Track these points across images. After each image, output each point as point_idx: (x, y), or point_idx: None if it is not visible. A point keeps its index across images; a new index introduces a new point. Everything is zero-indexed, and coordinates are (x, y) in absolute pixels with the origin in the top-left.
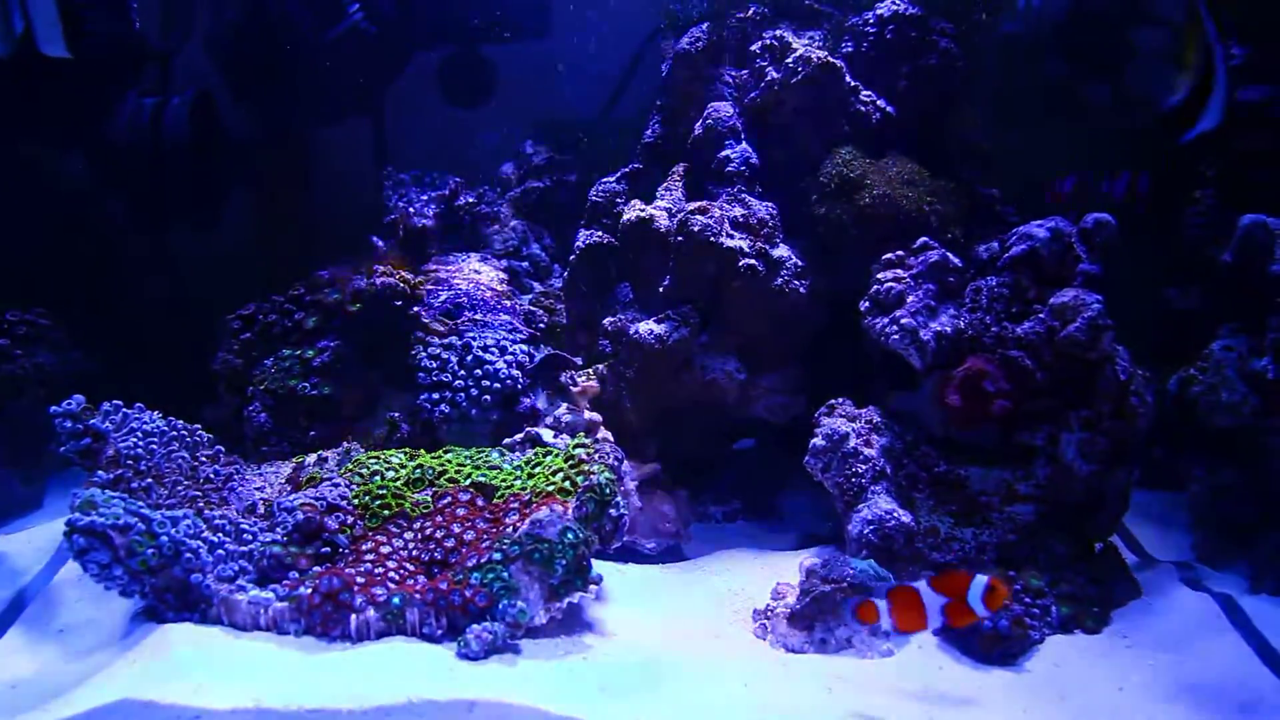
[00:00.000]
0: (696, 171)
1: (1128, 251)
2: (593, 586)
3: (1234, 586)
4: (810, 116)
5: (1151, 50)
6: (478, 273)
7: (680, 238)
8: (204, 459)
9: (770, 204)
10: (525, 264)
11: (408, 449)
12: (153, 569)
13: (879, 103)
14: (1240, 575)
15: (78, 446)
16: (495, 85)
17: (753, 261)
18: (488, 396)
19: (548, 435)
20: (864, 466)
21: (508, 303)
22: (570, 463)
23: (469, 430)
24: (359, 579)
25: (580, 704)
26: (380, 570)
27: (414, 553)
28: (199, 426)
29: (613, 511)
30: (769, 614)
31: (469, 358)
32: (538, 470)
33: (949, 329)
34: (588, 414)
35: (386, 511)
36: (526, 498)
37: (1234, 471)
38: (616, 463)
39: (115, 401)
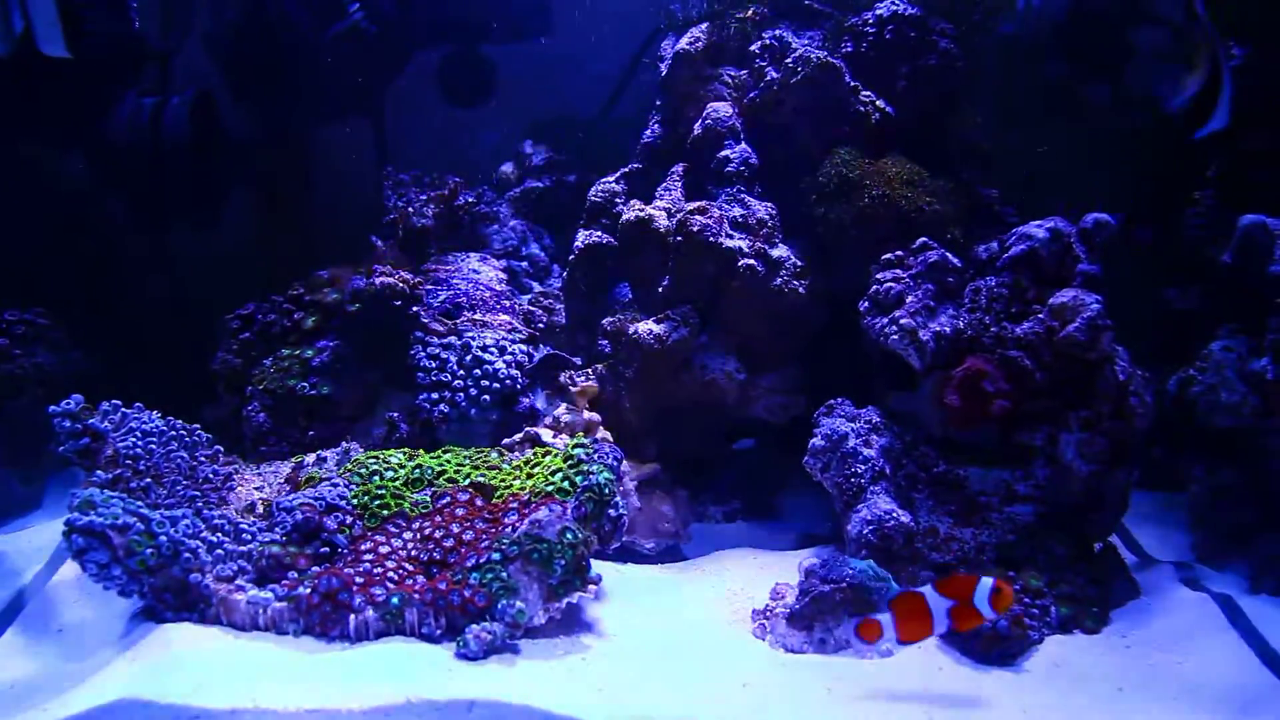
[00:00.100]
0: (696, 171)
1: (1127, 252)
2: (592, 586)
3: (1233, 587)
4: (810, 117)
5: (1151, 50)
6: (477, 272)
7: (679, 238)
8: (203, 459)
9: (770, 204)
10: (524, 264)
11: (407, 449)
12: (151, 569)
13: (878, 103)
14: (1240, 575)
15: (76, 446)
16: (495, 85)
17: (752, 262)
18: (487, 396)
19: (547, 435)
20: (863, 466)
21: (507, 303)
22: (569, 463)
23: (468, 430)
24: (358, 579)
25: (579, 704)
26: (379, 570)
27: (413, 553)
28: (198, 426)
29: (612, 511)
30: (768, 614)
31: (468, 358)
32: (537, 470)
33: (948, 329)
34: (587, 414)
35: (385, 511)
36: (525, 498)
37: (1233, 472)
38: (615, 463)
39: (114, 401)
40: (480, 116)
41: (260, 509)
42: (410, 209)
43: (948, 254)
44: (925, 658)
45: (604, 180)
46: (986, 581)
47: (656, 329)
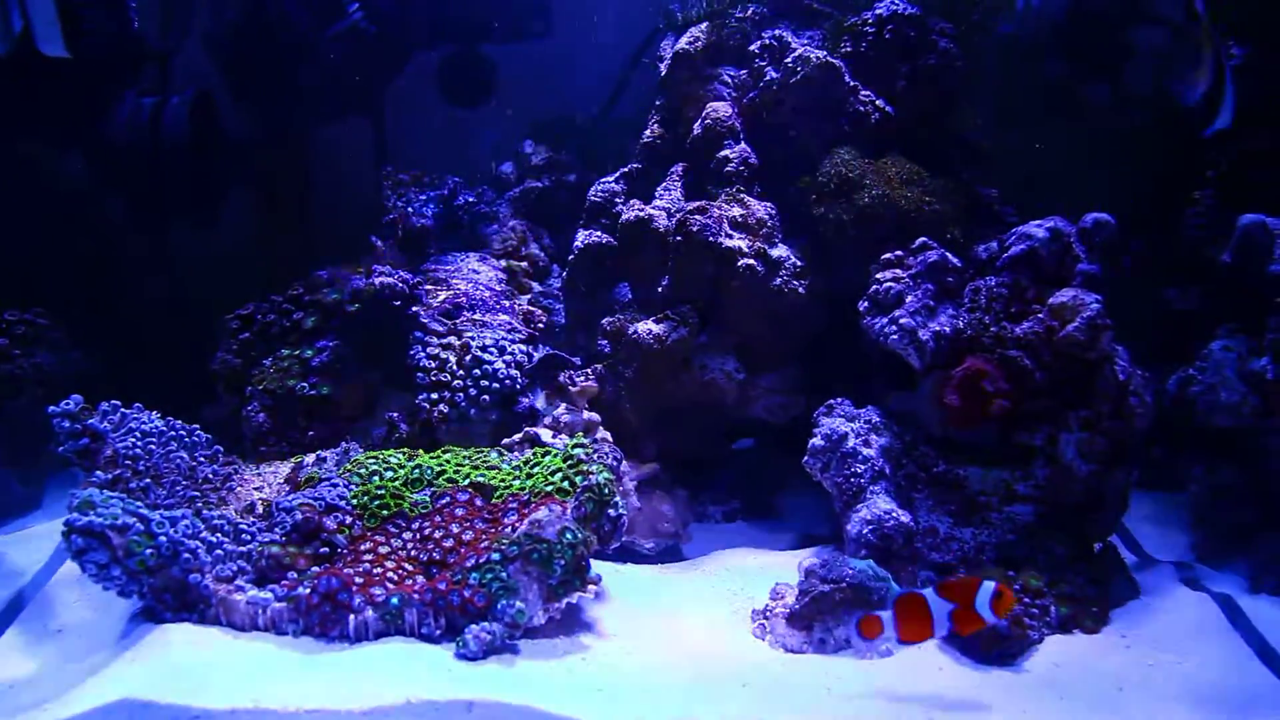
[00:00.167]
0: (695, 171)
1: (1127, 251)
2: (591, 587)
3: (1233, 586)
4: (809, 116)
5: (1150, 50)
6: (476, 272)
7: (679, 237)
8: (202, 459)
9: (769, 204)
10: (524, 264)
11: (406, 449)
12: (151, 569)
13: (878, 102)
14: (1239, 575)
15: (76, 446)
16: (495, 85)
17: (751, 261)
18: (486, 396)
19: (546, 435)
20: (863, 466)
21: (506, 302)
22: (569, 463)
23: (468, 430)
24: (357, 579)
25: (579, 704)
26: (379, 570)
27: (412, 553)
28: (197, 426)
29: (611, 511)
30: (768, 614)
31: (468, 358)
32: (536, 470)
33: (948, 329)
34: (586, 414)
35: (385, 512)
36: (525, 498)
37: (1233, 472)
38: (615, 463)
39: (113, 401)
40: (480, 116)
41: (260, 509)
42: (410, 209)
43: (947, 254)
44: (925, 657)
45: (604, 180)
46: (988, 585)
47: (656, 329)
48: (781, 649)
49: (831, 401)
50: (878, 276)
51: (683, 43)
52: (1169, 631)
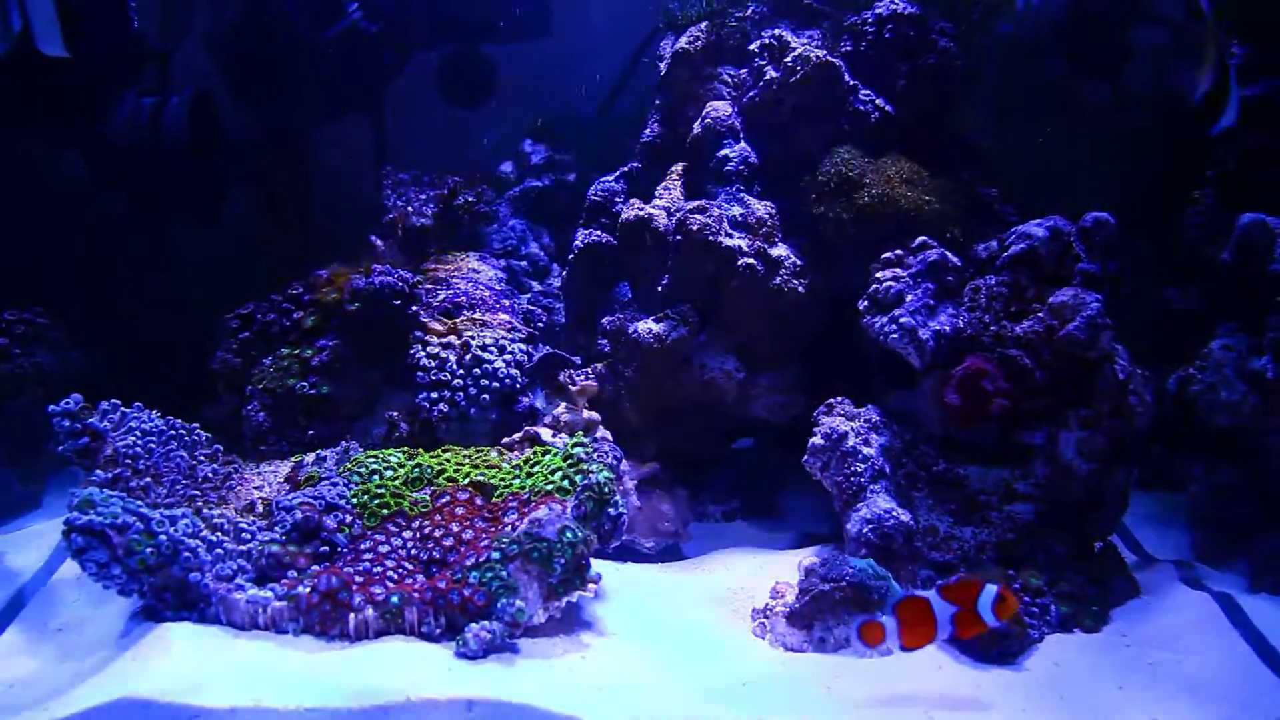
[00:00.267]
0: (695, 170)
1: (1127, 251)
2: (591, 585)
3: (1233, 585)
4: (809, 115)
5: (1150, 49)
6: (476, 272)
7: (679, 237)
8: (202, 458)
9: (769, 203)
10: (524, 263)
11: (406, 448)
12: (151, 568)
13: (878, 102)
14: (1239, 574)
15: (76, 445)
16: (495, 84)
17: (751, 260)
18: (486, 396)
19: (546, 434)
20: (863, 465)
21: (506, 302)
22: (569, 462)
23: (468, 429)
24: (357, 578)
25: (579, 703)
26: (379, 569)
27: (412, 552)
28: (197, 426)
29: (611, 510)
30: (768, 613)
31: (468, 357)
32: (536, 469)
33: (948, 328)
34: (586, 413)
35: (385, 510)
36: (525, 497)
37: (1233, 471)
38: (615, 462)
39: (113, 400)
40: (480, 116)
41: (260, 508)
42: (410, 208)
43: (947, 253)
44: (925, 656)
45: (603, 179)
46: (990, 588)
47: (656, 328)
48: (781, 648)
49: (831, 400)
50: (878, 275)
51: (682, 42)
52: (1169, 630)
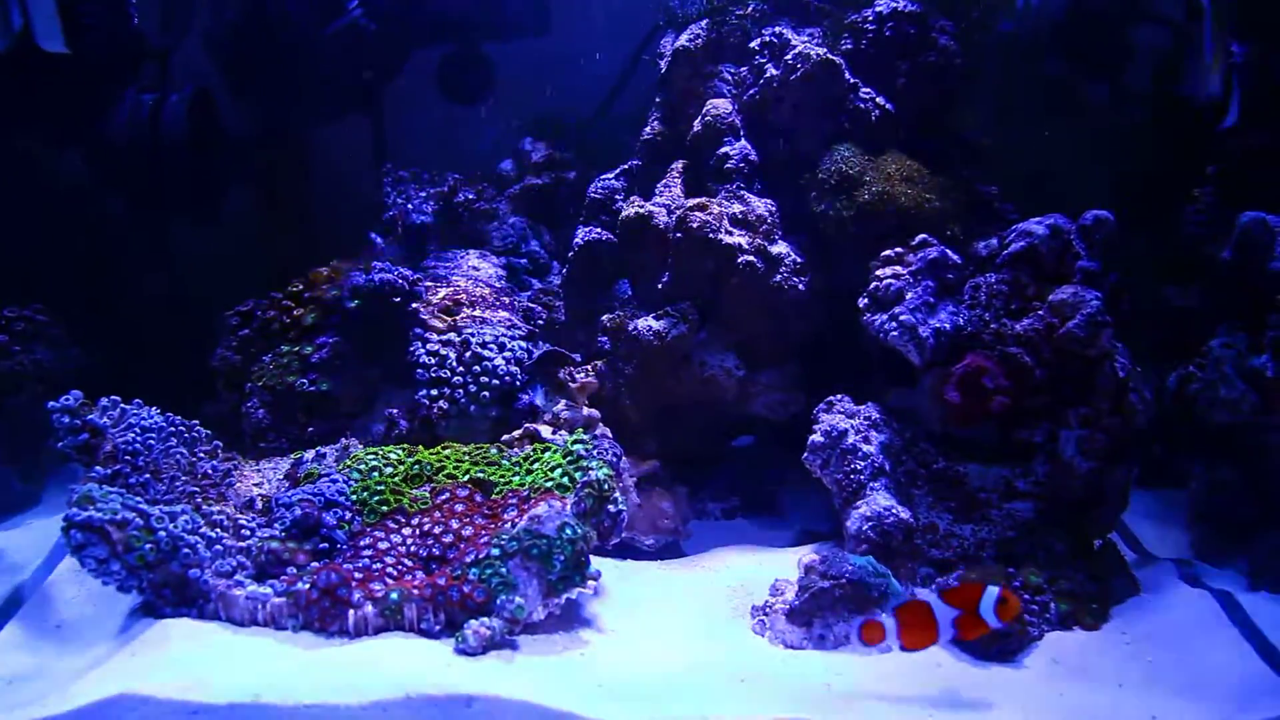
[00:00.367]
0: (696, 168)
1: (1127, 249)
2: (591, 583)
3: (1233, 583)
4: (809, 113)
5: (1150, 48)
6: (476, 269)
7: (679, 234)
8: (202, 455)
9: (769, 201)
10: (524, 261)
11: (406, 445)
12: (150, 564)
13: (878, 100)
14: (1239, 572)
15: (75, 442)
16: (494, 82)
17: (751, 258)
18: (486, 393)
19: (546, 431)
20: (862, 463)
21: (506, 299)
22: (569, 459)
23: (467, 426)
24: (357, 574)
25: (578, 700)
26: (378, 566)
27: (412, 548)
28: (197, 422)
29: (611, 508)
30: (767, 610)
31: (467, 354)
32: (536, 466)
33: (948, 326)
34: (586, 410)
35: (385, 507)
36: (525, 494)
37: (1233, 469)
38: (615, 459)
39: (113, 397)
40: (480, 114)
41: (259, 505)
42: (409, 206)
43: (947, 250)
44: (925, 654)
45: (604, 177)
46: (992, 590)
47: (656, 325)
48: (781, 645)
49: (831, 398)
50: (878, 273)
51: (683, 40)
52: (1168, 628)
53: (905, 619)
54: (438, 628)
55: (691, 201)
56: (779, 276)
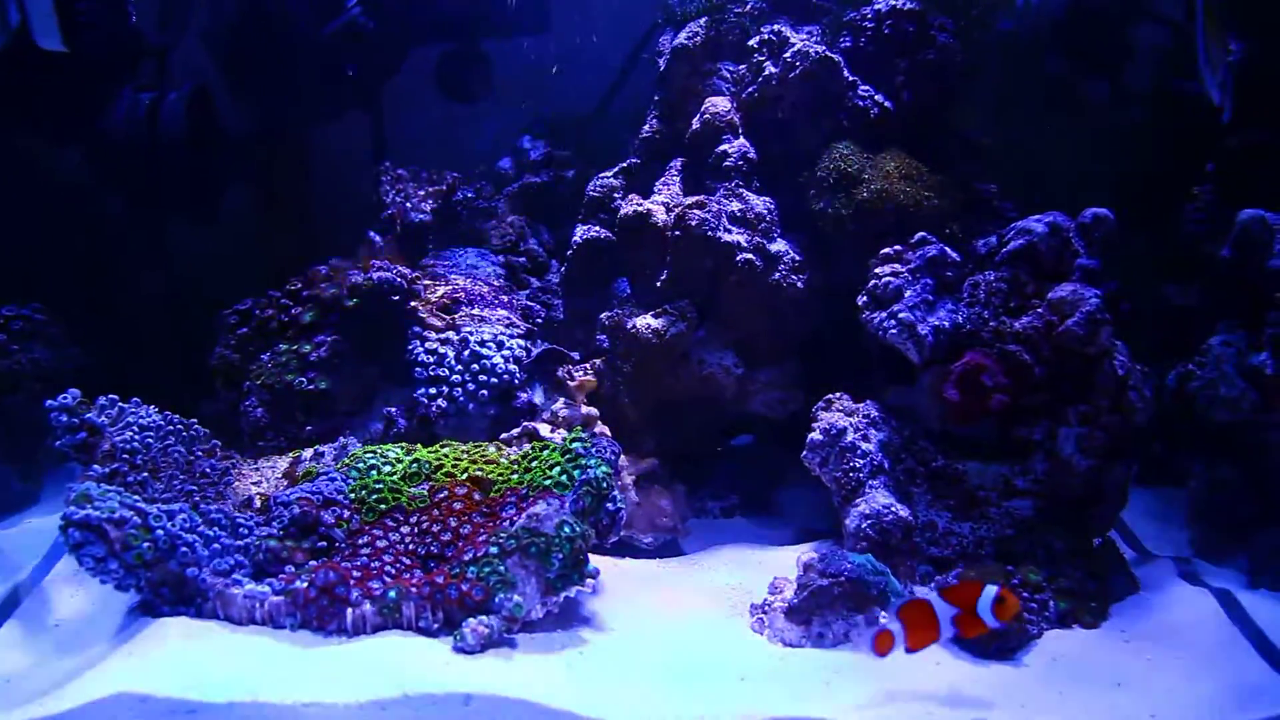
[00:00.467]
0: (694, 166)
1: (1126, 247)
2: (589, 581)
3: (1232, 581)
4: (808, 111)
5: (1150, 46)
6: (475, 268)
7: (678, 232)
8: (200, 453)
9: (768, 199)
10: (523, 259)
11: (404, 443)
12: (148, 563)
13: (877, 97)
14: (1238, 570)
15: (73, 441)
16: (493, 80)
17: (750, 256)
18: (485, 391)
19: (545, 429)
20: (861, 461)
21: (505, 298)
22: (567, 457)
23: (466, 425)
24: (355, 573)
25: (576, 699)
26: (376, 564)
27: (410, 547)
28: (195, 421)
29: (609, 506)
30: (766, 608)
31: (466, 352)
32: (534, 464)
33: (947, 323)
34: (585, 408)
35: (383, 506)
36: (523, 492)
37: (1232, 467)
38: (613, 457)
39: (111, 396)
40: (478, 112)
41: (258, 504)
42: (408, 204)
43: (946, 248)
44: (924, 652)
45: (602, 175)
46: (990, 590)
47: (654, 323)
48: (780, 643)
49: (830, 396)
50: (876, 271)
51: (682, 38)
52: (1168, 626)
53: (908, 619)
54: (436, 626)
55: (690, 199)
56: (778, 274)
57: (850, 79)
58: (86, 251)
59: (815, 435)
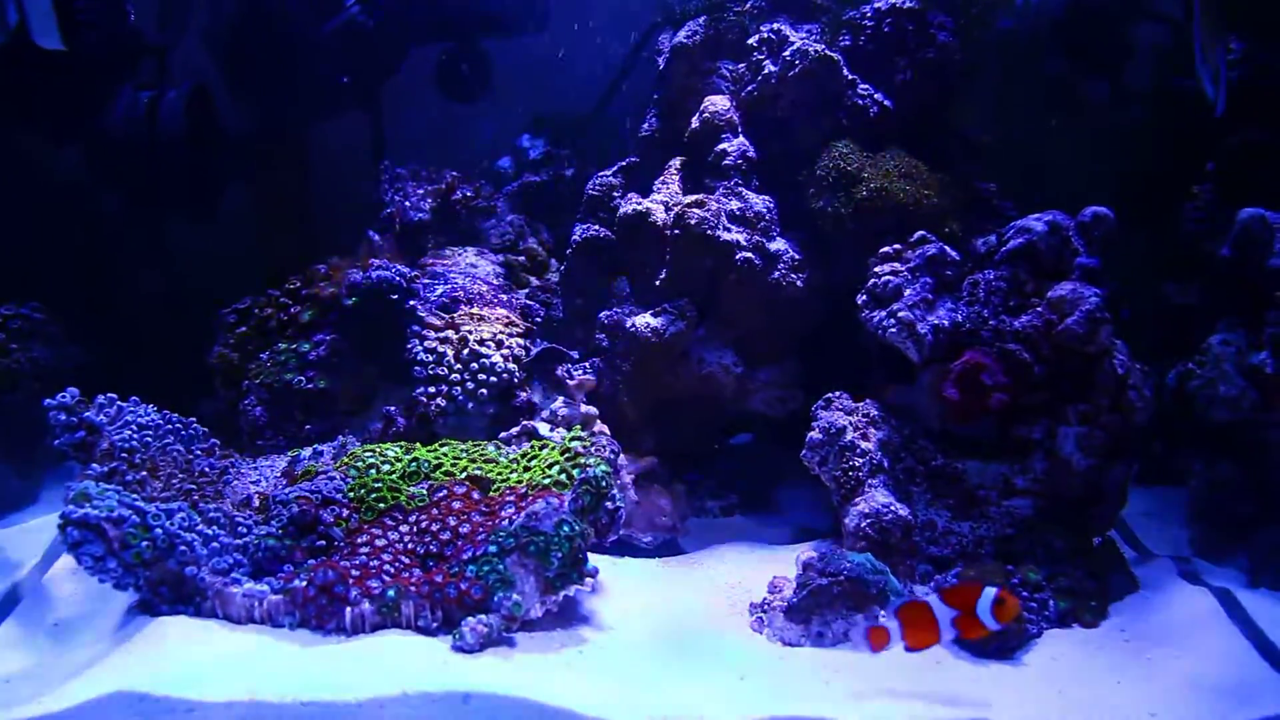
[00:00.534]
0: (694, 165)
1: (1126, 246)
2: (589, 579)
3: (1232, 581)
4: (807, 110)
5: (1149, 45)
6: (474, 266)
7: (677, 231)
8: (199, 452)
9: (767, 197)
10: (522, 258)
11: (403, 442)
12: (147, 562)
13: (876, 96)
14: (1238, 569)
15: (72, 439)
16: (493, 80)
17: (750, 255)
18: (484, 390)
19: (544, 429)
20: (861, 460)
21: (504, 296)
22: (566, 456)
23: (465, 424)
24: (354, 572)
25: (576, 697)
26: (375, 563)
27: (409, 546)
28: (194, 420)
29: (609, 504)
30: (766, 607)
31: (465, 351)
32: (534, 463)
33: (946, 322)
34: (584, 407)
35: (382, 505)
36: (522, 491)
37: (1232, 466)
38: (613, 456)
39: (110, 394)
40: (478, 111)
41: (257, 503)
42: (407, 203)
43: (946, 247)
44: (924, 651)
45: (601, 174)
46: (989, 591)
47: (654, 322)
48: (779, 642)
49: (830, 395)
50: (876, 270)
51: (681, 36)
52: (1168, 625)
53: (908, 620)
54: (435, 625)
55: (689, 198)
56: (777, 273)
57: (850, 77)
58: (85, 250)
59: (814, 434)
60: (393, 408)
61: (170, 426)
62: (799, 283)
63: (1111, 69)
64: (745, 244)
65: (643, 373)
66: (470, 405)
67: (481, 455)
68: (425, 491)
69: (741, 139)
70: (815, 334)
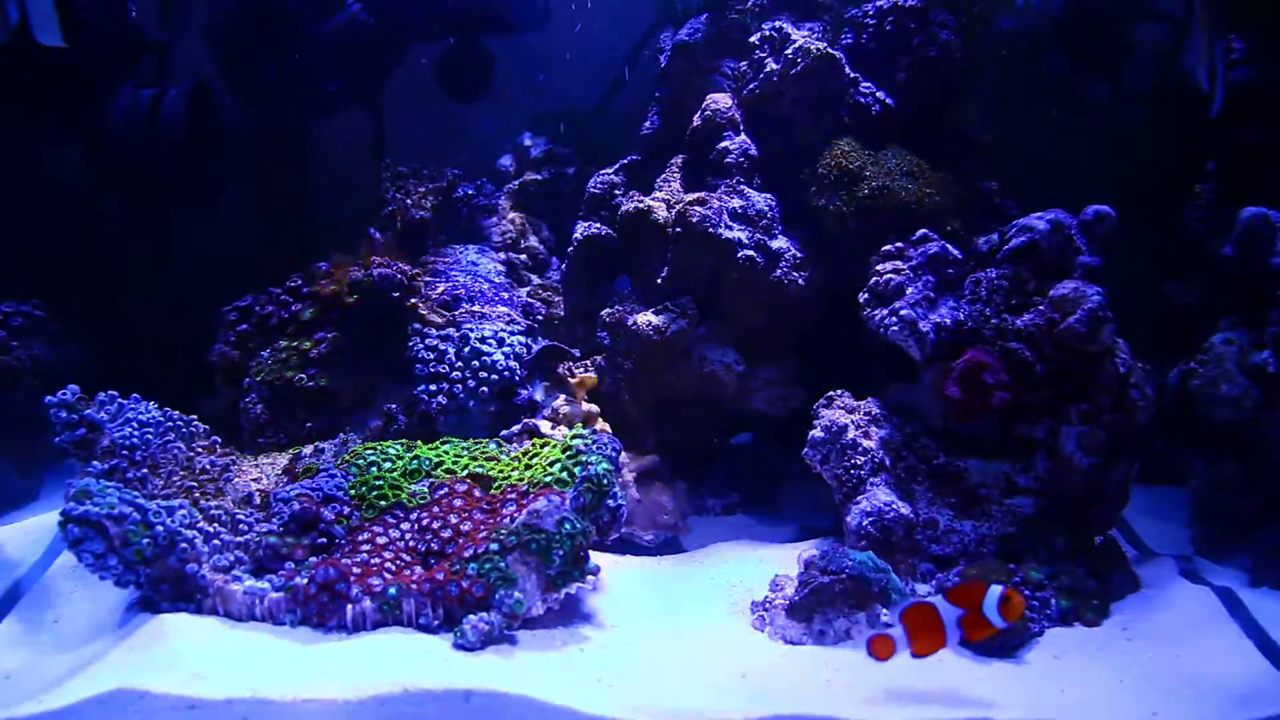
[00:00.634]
0: (695, 163)
1: (1128, 245)
2: (590, 577)
3: (1234, 580)
4: (809, 108)
5: (1150, 45)
6: (475, 265)
7: (678, 229)
8: (200, 450)
9: (769, 195)
10: (523, 256)
11: (405, 440)
12: (148, 559)
13: (878, 94)
14: (1240, 568)
15: (73, 437)
16: (494, 78)
17: (751, 253)
18: (485, 388)
19: (545, 426)
20: (863, 458)
21: (505, 295)
22: (568, 454)
23: (466, 422)
24: (355, 569)
25: (577, 695)
26: (377, 561)
27: (411, 543)
28: (195, 418)
29: (610, 502)
30: (767, 606)
31: (466, 349)
32: (535, 461)
33: (948, 321)
34: (585, 405)
35: (383, 502)
36: (524, 488)
37: (1234, 465)
38: (614, 454)
39: (110, 392)
40: (479, 109)
41: (258, 500)
42: (408, 201)
43: (948, 245)
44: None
45: (603, 172)
46: (995, 590)
47: (655, 320)
48: (781, 641)
49: (831, 393)
50: (878, 268)
51: (683, 34)
52: (1170, 624)
53: (912, 624)
54: (436, 623)
55: (691, 196)
56: (779, 271)
57: (852, 76)
58: (86, 248)
59: (816, 432)
60: (394, 405)
61: (171, 424)
62: (801, 281)
63: (1112, 68)
64: (747, 242)
65: (644, 371)
66: (471, 403)
67: (483, 453)
68: (426, 489)
69: (743, 137)
70: (817, 332)
